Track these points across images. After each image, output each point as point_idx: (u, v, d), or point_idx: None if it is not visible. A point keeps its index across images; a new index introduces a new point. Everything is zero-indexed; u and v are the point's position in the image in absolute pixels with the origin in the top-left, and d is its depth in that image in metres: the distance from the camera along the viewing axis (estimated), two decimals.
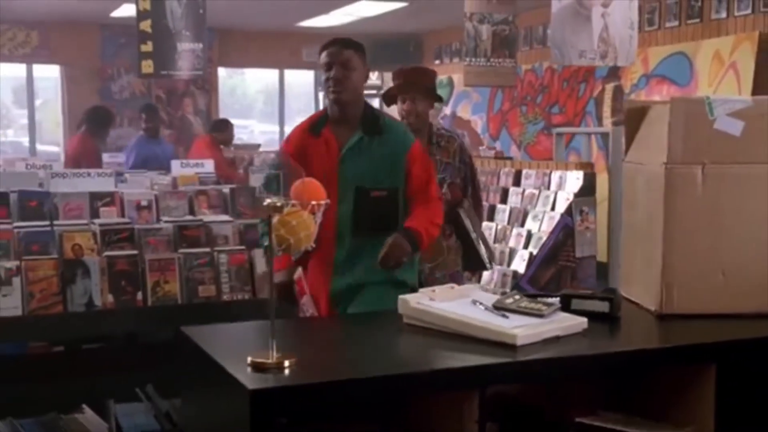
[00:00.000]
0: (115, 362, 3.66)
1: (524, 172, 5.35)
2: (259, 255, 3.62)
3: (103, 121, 7.55)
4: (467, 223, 3.80)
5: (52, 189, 4.08)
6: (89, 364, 3.67)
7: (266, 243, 1.72)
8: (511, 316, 1.93)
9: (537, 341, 1.85)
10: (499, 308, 1.97)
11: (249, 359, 1.66)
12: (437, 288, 2.09)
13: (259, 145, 10.26)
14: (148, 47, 7.67)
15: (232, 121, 8.51)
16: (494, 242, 5.28)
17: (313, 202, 1.69)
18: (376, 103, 13.77)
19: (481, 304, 2.00)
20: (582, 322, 1.97)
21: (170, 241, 3.69)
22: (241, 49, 11.30)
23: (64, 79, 11.57)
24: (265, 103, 14.85)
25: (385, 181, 2.99)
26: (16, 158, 6.53)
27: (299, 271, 2.84)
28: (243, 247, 3.72)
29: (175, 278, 3.55)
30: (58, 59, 11.12)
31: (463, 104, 11.36)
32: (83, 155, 6.84)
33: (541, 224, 4.94)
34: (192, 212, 4.02)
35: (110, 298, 3.54)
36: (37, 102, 11.75)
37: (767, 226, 2.15)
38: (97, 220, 3.82)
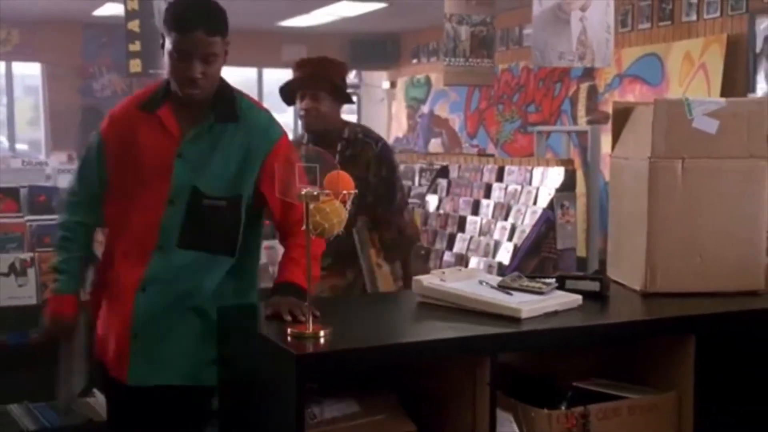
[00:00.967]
0: None
1: (507, 168, 5.59)
2: None
3: None
4: (357, 246, 3.22)
5: (59, 184, 4.27)
6: None
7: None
8: (515, 293, 2.17)
9: (538, 315, 2.08)
10: (503, 287, 2.21)
11: (289, 330, 1.88)
12: (447, 270, 2.32)
13: None
14: (136, 47, 7.82)
15: None
16: (479, 235, 5.52)
17: (344, 192, 1.90)
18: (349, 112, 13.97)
19: (487, 283, 2.24)
20: (577, 299, 2.21)
21: None
22: None
23: (45, 77, 11.65)
24: None
25: (229, 185, 2.31)
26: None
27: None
28: None
29: None
30: (39, 57, 11.18)
31: (441, 103, 11.57)
32: None
33: (524, 218, 5.18)
34: None
35: None
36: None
37: (739, 214, 2.40)
38: None
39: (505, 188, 5.48)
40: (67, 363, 2.51)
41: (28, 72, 11.67)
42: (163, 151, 2.30)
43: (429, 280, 2.25)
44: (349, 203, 1.91)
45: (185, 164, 2.30)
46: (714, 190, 2.37)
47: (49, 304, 2.49)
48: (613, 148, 2.61)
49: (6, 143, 11.57)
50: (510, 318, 2.05)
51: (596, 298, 2.29)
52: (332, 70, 3.27)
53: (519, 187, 5.37)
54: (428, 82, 11.89)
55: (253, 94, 12.64)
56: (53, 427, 3.57)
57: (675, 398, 2.14)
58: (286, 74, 15.07)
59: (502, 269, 4.80)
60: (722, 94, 6.88)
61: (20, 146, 11.78)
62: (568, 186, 5.13)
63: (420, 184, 6.54)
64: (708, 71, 7.25)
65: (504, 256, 5.13)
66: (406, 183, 6.73)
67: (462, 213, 5.77)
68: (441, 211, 6.00)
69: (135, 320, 2.31)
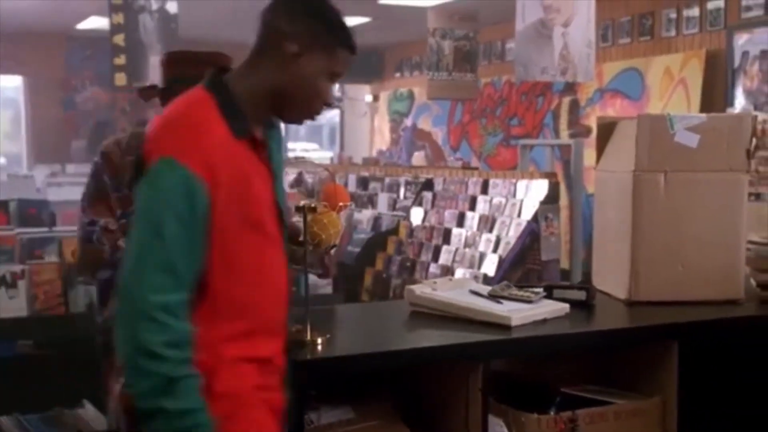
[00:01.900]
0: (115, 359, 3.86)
1: (491, 181, 5.67)
2: None
3: None
4: None
5: (49, 197, 4.30)
6: (88, 361, 3.86)
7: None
8: (505, 302, 2.24)
9: (528, 323, 2.15)
10: (493, 296, 2.27)
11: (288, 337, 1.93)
12: (437, 280, 2.39)
13: None
14: (121, 60, 7.86)
15: None
16: (465, 247, 5.59)
17: (341, 204, 1.97)
18: (335, 113, 14.04)
19: (477, 292, 2.31)
20: (564, 307, 2.28)
21: None
22: None
23: (28, 90, 11.64)
24: None
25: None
26: None
27: None
28: None
29: None
30: (21, 70, 11.17)
31: (424, 116, 11.66)
32: None
33: (509, 230, 5.25)
34: None
35: None
36: None
37: (719, 225, 2.48)
38: None
39: (490, 201, 5.56)
40: None
41: (6, 84, 11.61)
42: (267, 184, 1.69)
43: (421, 289, 2.31)
44: (343, 215, 1.98)
45: (280, 194, 1.76)
46: (695, 202, 2.46)
47: None
48: (597, 161, 2.68)
49: None
50: (500, 326, 2.11)
51: (583, 307, 2.37)
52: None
53: (503, 200, 5.45)
54: (411, 95, 11.98)
55: None
56: None
57: (659, 403, 2.22)
58: None
59: (487, 281, 4.86)
60: (702, 109, 7.01)
61: None
62: (552, 198, 5.22)
63: (405, 197, 6.61)
64: (688, 86, 7.38)
65: (489, 267, 5.20)
66: (391, 196, 6.81)
67: (447, 225, 5.85)
68: (426, 224, 6.07)
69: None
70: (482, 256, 5.33)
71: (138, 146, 1.71)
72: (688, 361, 2.19)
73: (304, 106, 1.73)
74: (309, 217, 1.93)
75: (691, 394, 2.21)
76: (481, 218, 5.55)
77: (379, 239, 6.42)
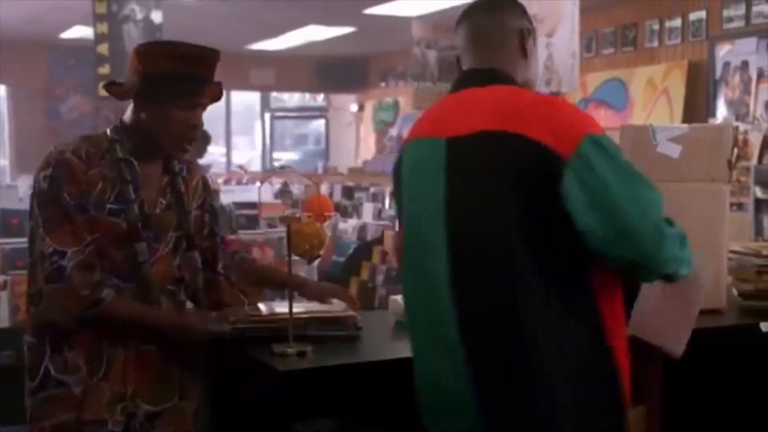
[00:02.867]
0: None
1: None
2: None
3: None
4: None
5: None
6: None
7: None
8: None
9: None
10: None
11: (273, 348, 1.94)
12: None
13: (209, 166, 10.37)
14: (105, 69, 7.85)
15: None
16: None
17: (325, 214, 1.97)
18: (320, 123, 14.06)
19: None
20: None
21: None
22: None
23: (11, 99, 11.59)
24: (207, 124, 15.02)
25: None
26: None
27: None
28: None
29: None
30: (5, 80, 11.13)
31: (409, 126, 11.63)
32: None
33: None
34: None
35: None
36: None
37: (701, 236, 2.49)
38: None
39: None
40: None
41: None
42: None
43: None
44: (328, 225, 1.98)
45: None
46: (677, 212, 2.44)
47: None
48: None
49: None
50: None
51: None
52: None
53: None
54: (396, 105, 12.01)
55: (221, 116, 12.74)
56: None
57: (643, 412, 2.22)
58: (254, 97, 15.09)
59: None
60: (684, 119, 7.08)
61: None
62: None
63: (390, 206, 6.63)
64: (670, 96, 7.45)
65: None
66: (376, 205, 6.83)
67: None
68: None
69: None
70: None
71: (102, 155, 1.94)
72: (672, 370, 2.19)
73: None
74: (293, 228, 1.94)
75: (674, 403, 2.22)
76: None
77: (364, 249, 6.42)
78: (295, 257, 1.98)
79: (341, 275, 6.27)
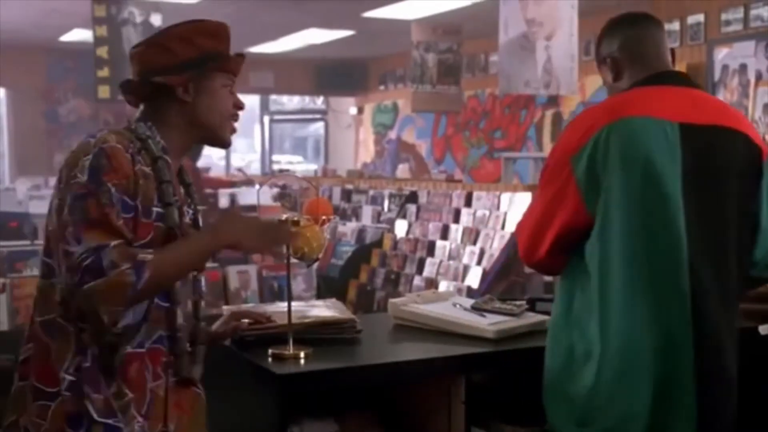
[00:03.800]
0: None
1: (475, 194, 5.69)
2: (232, 272, 3.86)
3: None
4: None
5: (31, 210, 4.28)
6: None
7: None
8: (488, 315, 2.24)
9: (511, 335, 2.17)
10: (477, 309, 2.28)
11: (270, 352, 1.93)
12: (421, 293, 2.39)
13: (208, 169, 10.39)
14: (104, 72, 7.86)
15: None
16: (449, 259, 5.60)
17: (323, 217, 1.97)
18: (319, 126, 14.05)
19: (460, 305, 2.31)
20: (547, 319, 2.28)
21: None
22: None
23: (10, 102, 11.59)
24: None
25: None
26: None
27: None
28: (216, 265, 3.94)
29: None
30: (4, 82, 11.13)
31: (408, 129, 11.70)
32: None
33: (493, 242, 5.27)
34: None
35: None
36: None
37: None
38: None
39: (474, 213, 5.58)
40: None
41: None
42: None
43: (404, 302, 2.31)
44: (327, 228, 1.98)
45: None
46: None
47: None
48: None
49: None
50: (484, 339, 2.12)
51: None
52: None
53: (487, 212, 5.46)
54: (395, 108, 12.02)
55: None
56: None
57: None
58: (253, 99, 15.08)
59: (471, 293, 4.87)
60: None
61: None
62: None
63: (389, 210, 6.62)
64: None
65: (473, 280, 5.21)
66: (375, 208, 6.83)
67: (431, 238, 5.86)
68: (410, 236, 6.08)
69: None
70: (466, 269, 5.35)
71: (139, 150, 1.69)
72: None
73: None
74: (292, 231, 1.93)
75: None
76: (465, 231, 5.56)
77: (363, 252, 6.42)
78: (294, 260, 1.97)
79: (340, 278, 6.27)
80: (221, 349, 2.05)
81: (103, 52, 7.79)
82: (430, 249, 5.81)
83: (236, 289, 3.89)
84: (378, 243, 6.38)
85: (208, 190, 6.02)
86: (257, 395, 1.90)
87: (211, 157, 12.43)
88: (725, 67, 7.09)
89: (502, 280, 5.08)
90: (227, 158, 13.06)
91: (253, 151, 14.41)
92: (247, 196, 5.89)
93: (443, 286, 5.29)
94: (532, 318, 2.28)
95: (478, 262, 5.28)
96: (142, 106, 1.85)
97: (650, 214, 1.79)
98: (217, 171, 11.12)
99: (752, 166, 1.87)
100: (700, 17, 7.32)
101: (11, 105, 11.56)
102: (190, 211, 1.85)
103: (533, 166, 7.04)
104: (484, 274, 5.16)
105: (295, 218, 1.93)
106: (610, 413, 1.80)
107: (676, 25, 7.55)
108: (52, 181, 7.22)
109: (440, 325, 2.20)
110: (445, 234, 5.75)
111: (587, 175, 1.81)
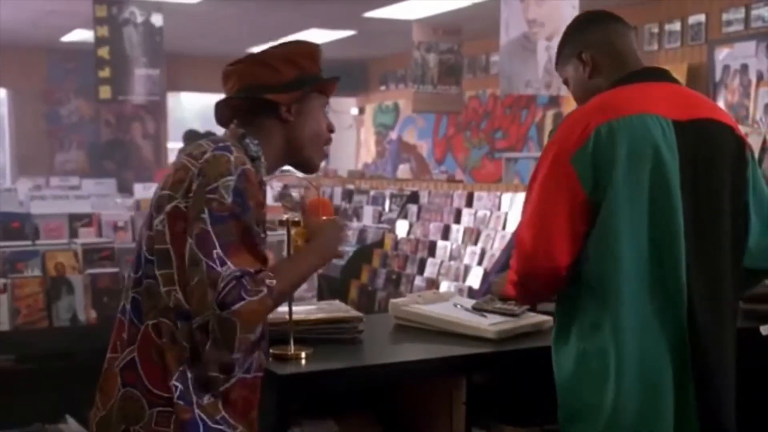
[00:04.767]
0: (97, 374, 3.84)
1: (476, 194, 5.69)
2: None
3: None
4: None
5: (32, 210, 4.27)
6: (71, 376, 3.84)
7: None
8: (489, 315, 2.24)
9: (512, 336, 2.17)
10: (478, 309, 2.28)
11: (271, 352, 1.93)
12: (422, 293, 2.39)
13: None
14: (105, 73, 7.87)
15: (173, 144, 8.60)
16: (450, 260, 5.59)
17: (324, 218, 1.97)
18: None
19: (461, 306, 2.31)
20: (548, 320, 2.28)
21: None
22: (188, 74, 11.26)
23: (11, 103, 11.59)
24: (203, 127, 14.96)
25: None
26: None
27: None
28: None
29: None
30: (5, 83, 11.14)
31: (409, 129, 11.70)
32: None
33: (494, 242, 5.27)
34: None
35: (93, 313, 3.72)
36: None
37: None
38: (77, 240, 4.02)
39: (475, 213, 5.57)
40: None
41: None
42: None
43: (405, 302, 2.31)
44: None
45: None
46: None
47: None
48: None
49: None
50: (484, 339, 2.12)
51: None
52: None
53: (488, 213, 5.46)
54: (396, 108, 12.02)
55: (211, 119, 12.71)
56: None
57: None
58: None
59: (472, 293, 4.87)
60: None
61: None
62: None
63: (390, 210, 6.62)
64: None
65: (474, 280, 5.21)
66: (377, 208, 6.83)
67: (432, 238, 5.86)
68: (411, 236, 6.08)
69: None
70: (467, 269, 5.34)
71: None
72: None
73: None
74: (293, 231, 1.93)
75: None
76: (466, 231, 5.56)
77: (364, 252, 6.42)
78: None
79: (341, 278, 6.26)
80: None
81: (104, 52, 7.80)
82: (431, 249, 5.80)
83: None
84: (379, 243, 6.38)
85: None
86: (259, 396, 1.90)
87: None
88: (726, 68, 7.09)
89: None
90: None
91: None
92: None
93: (444, 286, 5.29)
94: (533, 318, 2.28)
95: (479, 263, 5.27)
96: (234, 123, 1.83)
97: (658, 209, 1.80)
98: None
99: (739, 158, 1.92)
100: (701, 17, 7.31)
101: (12, 105, 11.57)
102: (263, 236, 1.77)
103: (533, 165, 7.03)
104: (485, 274, 5.16)
105: (296, 218, 1.93)
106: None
107: (677, 26, 7.54)
108: (53, 181, 7.24)
109: (441, 325, 2.20)
110: (446, 234, 5.75)
111: (592, 172, 1.80)
